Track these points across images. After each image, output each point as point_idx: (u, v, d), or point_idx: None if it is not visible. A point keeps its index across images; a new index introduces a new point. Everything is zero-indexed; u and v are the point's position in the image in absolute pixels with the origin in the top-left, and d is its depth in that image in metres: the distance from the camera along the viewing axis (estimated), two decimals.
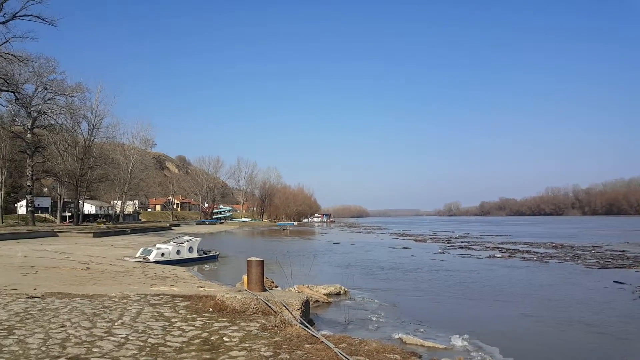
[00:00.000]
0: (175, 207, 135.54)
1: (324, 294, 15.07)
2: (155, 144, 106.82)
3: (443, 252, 35.21)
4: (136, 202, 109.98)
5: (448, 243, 46.28)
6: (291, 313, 8.37)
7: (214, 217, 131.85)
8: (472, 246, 41.28)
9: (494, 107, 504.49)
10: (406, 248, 40.06)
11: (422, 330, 11.11)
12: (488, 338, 10.32)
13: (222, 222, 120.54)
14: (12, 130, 57.52)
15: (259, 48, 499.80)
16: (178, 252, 27.54)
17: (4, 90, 45.37)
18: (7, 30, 41.37)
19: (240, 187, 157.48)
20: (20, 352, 5.75)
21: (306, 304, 9.32)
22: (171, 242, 29.14)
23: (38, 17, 42.11)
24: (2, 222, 57.27)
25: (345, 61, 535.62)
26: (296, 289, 14.34)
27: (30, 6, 41.27)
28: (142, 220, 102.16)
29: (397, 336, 10.18)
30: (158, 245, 28.39)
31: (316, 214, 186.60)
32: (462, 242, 48.48)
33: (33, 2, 41.16)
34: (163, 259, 26.06)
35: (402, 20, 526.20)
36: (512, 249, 37.05)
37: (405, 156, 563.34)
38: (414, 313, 13.52)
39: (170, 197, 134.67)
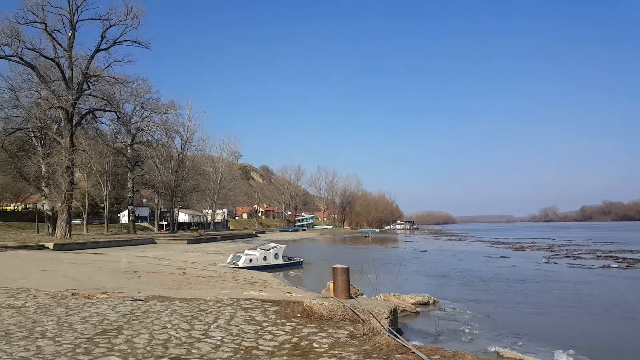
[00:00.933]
0: (260, 215, 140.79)
1: (412, 304, 14.67)
2: (241, 155, 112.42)
3: (548, 262, 32.46)
4: (225, 210, 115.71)
5: (552, 251, 42.74)
6: (379, 322, 8.24)
7: (296, 224, 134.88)
8: (580, 255, 37.86)
9: (593, 105, 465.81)
10: (504, 257, 37.39)
11: (520, 343, 10.41)
12: (597, 355, 9.42)
13: (304, 230, 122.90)
14: (115, 147, 63.45)
15: (340, 57, 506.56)
16: (265, 258, 28.46)
17: (108, 110, 50.10)
18: (109, 55, 45.72)
19: (321, 194, 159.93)
20: (129, 351, 6.22)
21: (394, 313, 9.13)
22: (258, 249, 30.18)
23: (135, 42, 45.79)
24: (107, 231, 63.21)
25: (433, 60, 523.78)
26: (382, 297, 14.14)
27: (128, 32, 45.17)
28: (231, 228, 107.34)
29: (493, 349, 9.64)
30: (246, 252, 29.53)
31: (398, 221, 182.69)
32: (567, 250, 44.65)
33: (131, 28, 44.92)
34: (251, 264, 27.09)
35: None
36: (630, 258, 33.20)
37: (495, 159, 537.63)
38: (511, 325, 12.70)
39: (256, 206, 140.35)
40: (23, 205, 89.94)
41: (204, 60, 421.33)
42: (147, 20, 75.58)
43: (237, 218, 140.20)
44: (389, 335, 7.32)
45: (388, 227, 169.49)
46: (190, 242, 49.65)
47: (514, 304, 16.57)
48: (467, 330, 11.67)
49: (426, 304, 15.46)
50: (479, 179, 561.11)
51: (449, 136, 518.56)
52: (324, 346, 6.77)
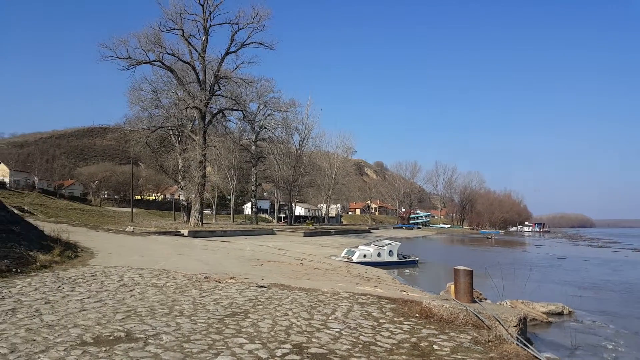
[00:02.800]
0: (373, 211, 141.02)
1: (542, 312, 13.47)
2: (356, 151, 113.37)
3: None
4: (338, 205, 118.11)
5: None
6: (506, 329, 7.66)
7: (410, 222, 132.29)
8: None
9: None
10: None
11: None
12: None
13: (419, 228, 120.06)
14: (241, 144, 68.39)
15: (456, 51, 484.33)
16: (379, 254, 28.37)
17: (235, 110, 54.06)
18: (237, 58, 49.30)
19: (438, 192, 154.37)
20: (255, 334, 6.61)
21: (523, 321, 8.42)
22: (372, 245, 30.19)
23: (260, 44, 48.69)
24: (233, 221, 68.54)
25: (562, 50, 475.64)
26: (509, 303, 13.20)
27: (254, 34, 48.16)
28: (344, 223, 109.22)
29: None
30: (360, 247, 29.72)
31: (526, 222, 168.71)
32: None
33: (257, 31, 47.87)
34: (365, 260, 27.18)
35: None
36: None
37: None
38: None
39: (369, 202, 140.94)
40: (162, 196, 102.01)
41: (321, 57, 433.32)
42: (272, 22, 79.82)
43: (350, 213, 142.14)
44: (517, 345, 6.77)
45: (514, 228, 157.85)
46: (306, 234, 51.57)
47: None
48: (610, 347, 10.43)
49: (559, 314, 14.11)
50: (625, 178, 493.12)
51: (590, 132, 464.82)
52: (445, 349, 6.49)
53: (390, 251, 29.32)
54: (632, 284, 24.01)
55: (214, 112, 51.73)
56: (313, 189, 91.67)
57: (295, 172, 75.19)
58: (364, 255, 27.62)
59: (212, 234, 40.63)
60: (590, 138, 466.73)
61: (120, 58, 43.19)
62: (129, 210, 53.74)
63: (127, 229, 32.36)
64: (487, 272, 17.79)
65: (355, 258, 27.10)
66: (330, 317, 8.10)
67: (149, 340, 5.89)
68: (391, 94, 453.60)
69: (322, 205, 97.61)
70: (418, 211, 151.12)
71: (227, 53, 48.60)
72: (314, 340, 6.50)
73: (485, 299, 13.22)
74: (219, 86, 49.25)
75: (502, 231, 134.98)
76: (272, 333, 6.70)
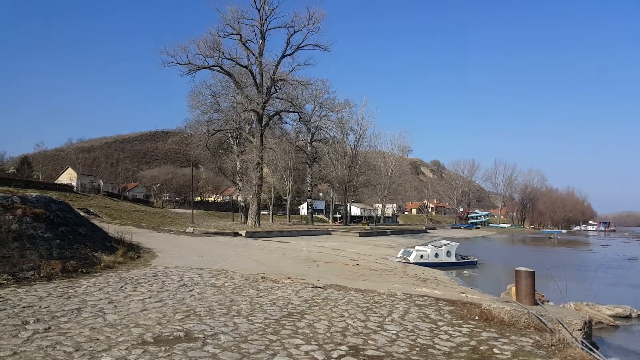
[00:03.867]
0: (430, 210, 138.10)
1: (609, 315, 12.71)
2: (412, 150, 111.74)
3: None
4: (394, 205, 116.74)
5: None
6: (570, 333, 7.28)
7: (469, 221, 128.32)
8: None
9: None
10: None
11: None
12: None
13: (478, 227, 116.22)
14: (297, 145, 69.29)
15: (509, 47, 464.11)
16: (436, 255, 27.78)
17: (291, 112, 54.82)
18: (293, 60, 49.93)
19: (498, 190, 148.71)
20: (311, 335, 6.66)
21: (589, 325, 7.97)
22: (429, 245, 29.63)
23: (316, 45, 48.94)
24: (289, 221, 69.48)
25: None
26: (573, 306, 12.53)
27: (310, 36, 48.54)
28: (400, 223, 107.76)
29: None
30: (417, 247, 29.25)
31: (590, 222, 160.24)
32: None
33: (312, 33, 48.23)
34: (422, 260, 26.71)
35: None
36: None
37: None
38: None
39: (425, 201, 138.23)
40: (221, 197, 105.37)
41: (377, 52, 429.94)
42: (326, 23, 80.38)
43: (406, 213, 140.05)
44: (582, 349, 6.42)
45: (577, 228, 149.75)
46: (361, 234, 51.38)
47: None
48: None
49: (628, 317, 13.31)
50: None
51: None
52: (506, 353, 6.25)
53: (448, 251, 28.62)
54: None
55: (271, 114, 52.63)
56: (368, 188, 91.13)
57: (351, 172, 75.15)
58: (421, 256, 27.16)
59: (269, 234, 41.37)
60: None
61: (180, 64, 44.94)
62: (189, 211, 56.06)
63: (187, 230, 33.37)
64: (549, 274, 16.91)
65: (411, 259, 26.70)
66: (386, 319, 8.01)
67: (207, 340, 6.05)
68: (450, 89, 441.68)
69: (377, 205, 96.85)
70: (477, 210, 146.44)
71: (283, 56, 49.38)
72: (370, 342, 6.47)
73: (548, 302, 12.59)
74: (275, 89, 50.08)
75: (565, 230, 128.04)
76: (328, 334, 6.72)
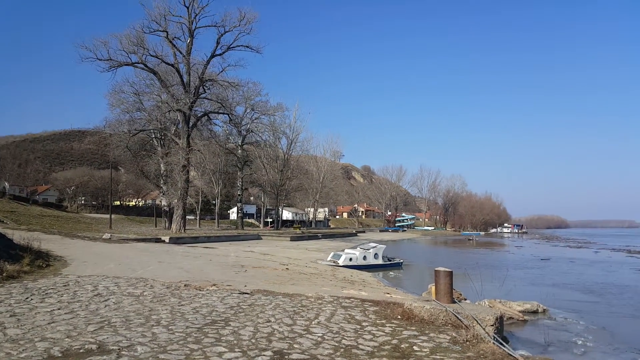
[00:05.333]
0: (360, 214, 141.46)
1: (519, 311, 13.84)
2: (343, 155, 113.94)
3: None
4: (326, 209, 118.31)
5: None
6: (484, 328, 7.80)
7: (396, 224, 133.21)
8: None
9: None
10: None
11: None
12: None
13: (405, 230, 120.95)
14: (227, 147, 67.99)
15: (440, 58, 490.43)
16: (364, 257, 28.50)
17: (221, 113, 53.61)
18: (223, 60, 48.90)
19: (423, 195, 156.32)
20: (235, 342, 6.54)
21: (500, 320, 8.60)
22: (358, 248, 30.29)
23: (247, 47, 48.35)
24: (218, 226, 68.01)
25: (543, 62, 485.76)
26: (487, 303, 13.44)
27: (241, 37, 47.76)
28: (331, 226, 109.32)
29: None
30: (346, 251, 29.80)
31: (506, 224, 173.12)
32: None
33: (243, 34, 47.54)
34: (351, 263, 27.28)
35: None
36: None
37: (615, 159, 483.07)
38: (630, 340, 11.67)
39: (356, 205, 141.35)
40: (143, 201, 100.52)
41: (308, 61, 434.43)
42: (259, 25, 79.57)
43: (337, 217, 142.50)
44: (494, 343, 6.90)
45: (494, 230, 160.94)
46: (293, 239, 51.46)
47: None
48: (579, 342, 10.96)
49: (534, 312, 14.57)
50: (596, 181, 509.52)
51: (563, 135, 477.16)
52: (425, 350, 6.56)
53: (376, 254, 29.47)
54: (618, 285, 24.06)
55: (199, 115, 51.26)
56: (300, 193, 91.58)
57: (283, 176, 75.07)
58: (350, 259, 27.72)
59: (195, 240, 40.23)
60: (567, 141, 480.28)
61: (100, 60, 42.46)
62: (107, 216, 52.87)
63: (104, 236, 31.76)
64: (466, 273, 18.05)
65: (341, 262, 27.17)
66: (313, 322, 8.09)
67: (123, 352, 5.76)
68: (379, 96, 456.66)
69: (309, 209, 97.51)
70: (403, 214, 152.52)
71: (212, 56, 48.29)
72: (295, 346, 6.49)
73: (465, 299, 13.41)
74: (204, 89, 48.83)
75: (483, 233, 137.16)
76: (253, 340, 6.66)
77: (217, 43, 47.78)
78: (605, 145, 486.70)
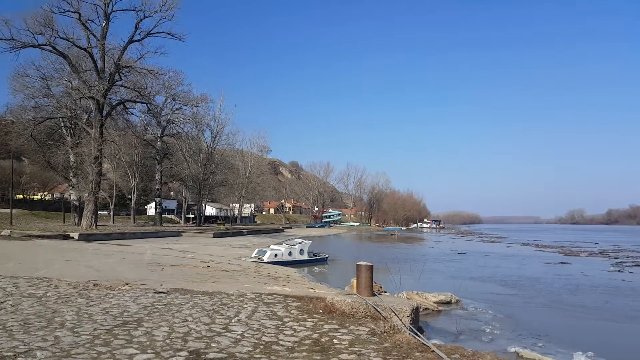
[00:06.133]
0: (287, 210, 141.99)
1: (434, 302, 14.73)
2: (271, 150, 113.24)
3: (622, 271, 29.04)
4: (252, 205, 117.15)
5: (616, 259, 38.60)
6: (400, 320, 8.18)
7: (323, 220, 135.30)
8: None
9: (620, 105, 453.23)
10: (564, 263, 34.27)
11: (540, 344, 10.58)
12: (616, 358, 9.60)
13: (331, 226, 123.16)
14: (145, 139, 64.88)
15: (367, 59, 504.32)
16: (290, 253, 28.66)
17: (138, 102, 51.04)
18: (142, 47, 46.38)
19: (349, 191, 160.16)
20: (148, 343, 6.27)
21: (416, 311, 9.08)
22: (284, 244, 30.40)
23: (168, 34, 46.12)
24: (134, 222, 64.83)
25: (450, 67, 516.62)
26: (405, 295, 14.10)
27: (162, 24, 45.55)
28: (257, 223, 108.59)
29: (513, 349, 9.80)
30: (272, 247, 29.78)
31: (425, 220, 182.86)
32: (627, 256, 41.56)
33: (165, 20, 45.34)
34: (276, 259, 27.30)
35: None
36: None
37: (523, 160, 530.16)
38: (532, 326, 12.79)
39: (283, 201, 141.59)
40: (50, 195, 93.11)
41: (238, 54, 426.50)
42: (182, 14, 76.73)
43: (264, 213, 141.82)
44: (409, 334, 7.25)
45: (415, 225, 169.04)
46: (216, 235, 50.39)
47: (535, 305, 16.23)
48: (487, 330, 11.84)
49: (449, 302, 15.54)
50: (506, 179, 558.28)
51: (477, 136, 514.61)
52: (344, 343, 6.73)
53: (301, 250, 29.74)
54: (538, 278, 25.32)
55: (114, 103, 48.48)
56: (225, 188, 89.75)
57: (206, 170, 73.08)
58: (275, 255, 27.74)
59: (107, 237, 38.05)
60: (480, 141, 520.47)
61: (2, 39, 38.92)
62: (8, 211, 48.42)
63: (2, 233, 29.39)
64: (386, 267, 18.80)
65: (266, 258, 27.11)
66: (233, 320, 7.99)
67: (19, 359, 5.32)
68: (308, 91, 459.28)
69: (234, 204, 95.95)
70: (330, 210, 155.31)
71: (130, 41, 45.66)
72: (213, 345, 6.36)
73: (385, 292, 13.97)
74: (120, 76, 46.15)
75: (405, 228, 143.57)
76: (168, 341, 6.43)
77: (136, 28, 45.34)
78: (512, 147, 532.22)
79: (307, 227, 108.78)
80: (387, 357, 6.11)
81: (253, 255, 28.32)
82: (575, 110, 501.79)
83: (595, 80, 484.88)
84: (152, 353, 5.79)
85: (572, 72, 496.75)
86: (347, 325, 7.90)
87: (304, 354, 6.12)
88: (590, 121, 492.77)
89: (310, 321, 8.12)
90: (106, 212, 69.16)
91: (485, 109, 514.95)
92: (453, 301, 15.65)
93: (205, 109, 68.43)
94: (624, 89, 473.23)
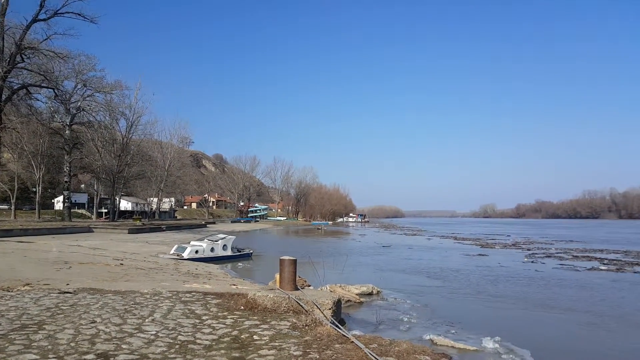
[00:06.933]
0: (211, 205, 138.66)
1: (356, 294, 15.23)
2: (193, 142, 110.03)
3: (535, 262, 30.88)
4: (172, 199, 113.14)
5: (528, 250, 41.44)
6: (322, 312, 8.34)
7: (249, 215, 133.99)
8: (558, 254, 36.76)
9: (532, 107, 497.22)
10: (482, 255, 36.11)
11: (453, 331, 11.26)
12: (520, 340, 10.35)
13: (257, 221, 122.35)
14: (51, 127, 60.21)
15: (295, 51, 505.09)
16: (212, 249, 28.06)
17: (44, 87, 47.35)
18: (48, 27, 43.09)
19: (276, 186, 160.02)
20: (49, 347, 5.87)
21: (338, 304, 9.30)
22: (205, 240, 29.72)
23: (79, 15, 43.44)
24: (39, 217, 60.13)
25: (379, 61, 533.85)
26: (328, 288, 14.38)
27: (71, 3, 42.74)
28: (178, 218, 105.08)
29: (428, 337, 10.39)
30: (192, 243, 29.02)
31: (351, 214, 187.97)
32: (537, 247, 44.85)
33: (74, 0, 42.71)
34: (197, 256, 26.64)
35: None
36: (615, 260, 32.39)
37: (441, 157, 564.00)
38: (448, 314, 13.61)
39: (206, 195, 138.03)
40: None
41: (157, 41, 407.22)
42: None
43: (185, 207, 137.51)
44: (331, 326, 7.42)
45: (341, 219, 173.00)
46: (131, 231, 48.13)
47: (451, 294, 17.23)
48: (405, 319, 12.44)
49: (370, 294, 16.12)
50: (426, 175, 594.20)
51: (400, 132, 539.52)
52: (265, 338, 6.75)
53: (225, 245, 29.24)
54: (460, 270, 26.38)
55: (15, 88, 44.58)
56: (142, 181, 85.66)
57: (121, 162, 69.23)
58: (196, 251, 27.05)
59: (7, 233, 35.01)
60: (407, 134, 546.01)
61: None
62: None
63: None
64: (311, 261, 19.09)
65: (186, 254, 26.35)
66: (147, 320, 7.73)
67: None
68: (233, 83, 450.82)
69: (152, 199, 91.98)
70: (256, 205, 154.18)
71: (34, 20, 42.24)
72: (123, 346, 6.10)
73: (309, 286, 14.18)
74: (23, 58, 42.60)
75: (331, 222, 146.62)
76: (73, 344, 6.07)
77: (41, 6, 42.09)
78: (432, 145, 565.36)
79: (232, 222, 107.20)
80: (308, 350, 6.20)
81: (172, 252, 27.41)
82: (487, 114, 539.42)
83: (509, 86, 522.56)
84: (54, 357, 5.46)
85: (489, 76, 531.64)
86: (268, 320, 7.92)
87: (222, 351, 6.05)
88: (503, 122, 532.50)
89: (231, 318, 8.04)
90: (6, 207, 63.67)
91: (406, 106, 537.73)
92: (374, 292, 16.26)
93: (121, 96, 64.74)
94: (532, 93, 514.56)
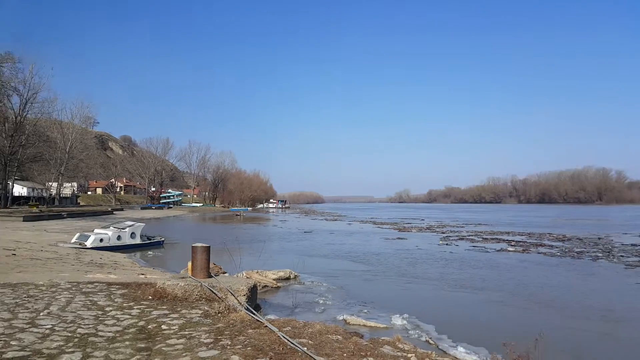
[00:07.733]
0: (118, 190, 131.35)
1: (273, 279, 15.39)
2: (98, 123, 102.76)
3: (449, 244, 32.77)
4: (74, 184, 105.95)
5: (442, 233, 43.73)
6: (237, 299, 8.32)
7: (161, 201, 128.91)
8: (469, 237, 39.19)
9: (443, 100, 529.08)
10: (402, 238, 37.75)
11: (365, 311, 11.86)
12: (427, 317, 11.17)
13: (171, 207, 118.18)
14: None
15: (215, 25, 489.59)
16: (119, 237, 26.88)
17: None
18: None
19: (192, 170, 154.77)
20: None
21: (253, 290, 9.32)
22: (111, 227, 28.40)
23: None
24: None
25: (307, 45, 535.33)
26: (245, 274, 14.35)
27: None
28: (81, 204, 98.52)
29: (341, 317, 10.83)
30: (96, 231, 27.63)
31: (271, 200, 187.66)
32: (450, 230, 47.65)
33: None
34: (102, 244, 25.41)
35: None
36: (521, 241, 34.93)
37: (359, 146, 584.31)
38: (362, 295, 14.20)
39: (113, 180, 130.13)
40: None
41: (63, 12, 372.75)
42: None
43: (89, 193, 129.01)
44: (245, 312, 7.43)
45: (261, 205, 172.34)
46: (27, 219, 44.41)
47: (365, 276, 17.94)
48: (321, 302, 12.91)
49: (287, 278, 16.42)
50: (345, 162, 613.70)
51: (317, 119, 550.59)
52: (174, 327, 6.61)
53: (133, 233, 28.06)
54: (380, 253, 27.28)
55: None
56: (40, 164, 78.91)
57: (14, 143, 63.21)
58: (101, 240, 25.70)
59: None
60: (326, 122, 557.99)
61: None
62: None
63: None
64: (226, 248, 18.90)
65: (89, 243, 24.94)
66: (41, 314, 7.25)
67: None
68: (144, 59, 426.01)
69: (52, 183, 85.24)
70: (170, 190, 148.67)
71: None
72: (13, 343, 5.66)
73: (225, 273, 14.06)
74: None
75: (251, 208, 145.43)
76: None
77: None
78: (348, 133, 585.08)
79: (142, 208, 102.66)
80: (219, 337, 6.15)
81: (73, 240, 25.80)
82: (412, 108, 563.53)
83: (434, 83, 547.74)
84: None
85: (416, 74, 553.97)
86: (178, 309, 7.76)
87: (127, 342, 5.83)
88: (414, 112, 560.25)
89: (137, 308, 7.77)
90: None
91: (323, 91, 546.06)
92: (292, 277, 16.56)
93: (13, 70, 58.99)
94: (440, 91, 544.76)
